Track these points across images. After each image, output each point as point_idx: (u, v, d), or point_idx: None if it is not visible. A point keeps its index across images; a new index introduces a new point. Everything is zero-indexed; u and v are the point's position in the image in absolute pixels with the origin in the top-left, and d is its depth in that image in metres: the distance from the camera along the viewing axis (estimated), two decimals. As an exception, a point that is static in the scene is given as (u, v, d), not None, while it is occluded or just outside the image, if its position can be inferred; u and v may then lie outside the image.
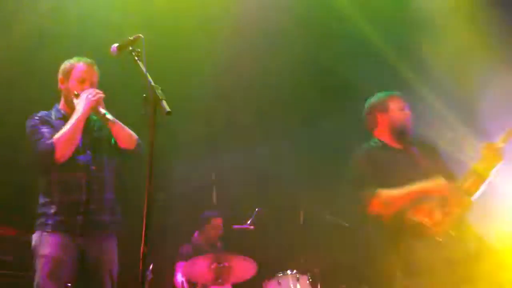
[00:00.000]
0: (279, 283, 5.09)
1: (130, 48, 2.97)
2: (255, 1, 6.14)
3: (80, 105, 3.33)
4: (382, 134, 3.66)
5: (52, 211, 3.31)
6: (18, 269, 4.42)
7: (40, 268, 3.20)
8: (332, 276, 6.01)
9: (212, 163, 5.43)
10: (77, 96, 3.39)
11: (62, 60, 3.60)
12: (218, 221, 5.84)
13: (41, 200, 3.39)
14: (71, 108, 3.42)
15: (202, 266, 4.88)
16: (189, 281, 5.20)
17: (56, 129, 3.36)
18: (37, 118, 3.43)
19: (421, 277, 3.12)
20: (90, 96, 3.34)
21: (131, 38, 2.99)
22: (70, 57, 3.60)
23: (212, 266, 4.86)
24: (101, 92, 3.39)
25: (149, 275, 4.97)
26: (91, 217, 3.34)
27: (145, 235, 2.54)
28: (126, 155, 3.49)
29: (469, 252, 3.18)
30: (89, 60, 3.54)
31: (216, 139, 6.73)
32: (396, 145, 3.62)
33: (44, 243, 3.24)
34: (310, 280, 5.18)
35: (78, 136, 3.32)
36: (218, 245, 5.91)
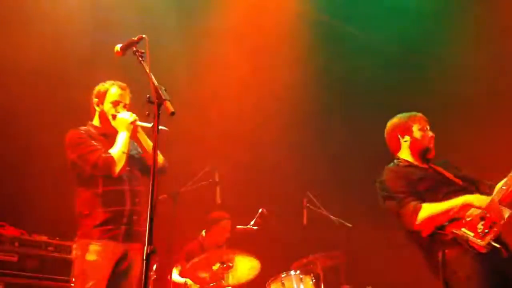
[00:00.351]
0: (282, 284, 5.08)
1: (134, 49, 3.00)
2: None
3: (122, 127, 3.58)
4: (406, 156, 3.62)
5: (98, 221, 3.48)
6: (22, 269, 4.43)
7: (87, 274, 3.37)
8: (335, 276, 6.01)
9: (216, 163, 5.42)
10: (114, 118, 3.63)
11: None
12: (227, 224, 5.83)
13: (85, 211, 3.53)
14: (108, 127, 3.67)
15: (205, 266, 4.88)
16: (192, 281, 5.20)
17: (101, 144, 3.59)
18: (82, 131, 3.65)
19: (466, 279, 3.08)
20: (127, 117, 3.57)
21: (135, 38, 3.01)
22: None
23: (215, 267, 4.86)
24: (134, 114, 3.61)
25: (153, 275, 4.98)
26: (133, 228, 3.54)
27: (149, 235, 2.56)
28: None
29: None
30: (122, 84, 3.75)
31: (220, 138, 6.74)
32: (420, 165, 3.59)
33: (91, 251, 3.42)
34: (314, 280, 5.17)
35: (127, 154, 3.56)
36: (224, 247, 5.89)
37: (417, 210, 3.23)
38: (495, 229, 3.08)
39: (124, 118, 3.58)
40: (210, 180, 5.28)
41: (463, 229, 3.13)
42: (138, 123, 3.59)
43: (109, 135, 3.66)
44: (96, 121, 3.77)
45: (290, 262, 5.71)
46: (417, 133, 3.59)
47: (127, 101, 3.73)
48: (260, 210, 5.64)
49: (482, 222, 3.11)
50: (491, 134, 6.13)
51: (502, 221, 3.09)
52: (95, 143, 3.57)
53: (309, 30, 7.09)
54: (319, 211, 5.91)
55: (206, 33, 6.66)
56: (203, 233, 5.91)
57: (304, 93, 7.18)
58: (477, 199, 3.20)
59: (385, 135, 3.74)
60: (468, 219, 3.16)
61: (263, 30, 6.86)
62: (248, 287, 5.54)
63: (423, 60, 6.90)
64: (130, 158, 3.67)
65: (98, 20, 6.03)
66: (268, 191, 6.85)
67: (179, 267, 5.47)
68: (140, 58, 2.97)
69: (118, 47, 3.10)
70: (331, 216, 5.92)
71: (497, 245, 3.06)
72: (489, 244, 3.05)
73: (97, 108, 3.74)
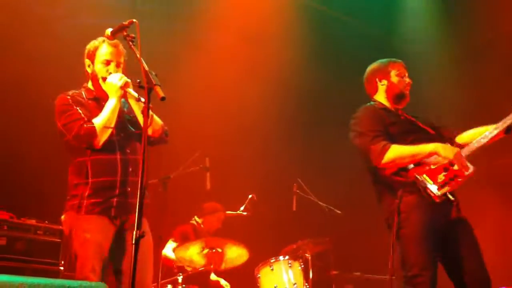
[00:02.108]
0: (271, 269, 5.12)
1: (125, 33, 2.96)
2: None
3: (112, 92, 3.28)
4: (382, 99, 3.69)
5: (87, 192, 3.25)
6: (11, 252, 4.42)
7: (82, 253, 3.16)
8: (324, 262, 6.06)
9: (206, 148, 5.42)
10: (104, 80, 3.34)
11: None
12: (221, 216, 5.87)
13: (74, 181, 3.31)
14: (101, 90, 3.37)
15: (194, 251, 4.90)
16: (181, 265, 5.23)
17: (88, 110, 3.33)
18: (68, 97, 3.37)
19: (411, 235, 3.20)
20: (116, 82, 3.26)
21: (125, 23, 2.98)
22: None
23: (205, 251, 4.89)
24: (125, 76, 3.31)
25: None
26: (126, 200, 3.29)
27: (138, 220, 2.57)
28: (151, 141, 3.39)
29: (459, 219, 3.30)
30: (110, 41, 3.35)
31: (211, 124, 6.73)
32: (394, 110, 3.66)
33: (82, 227, 3.20)
34: (302, 266, 5.21)
35: (113, 122, 3.29)
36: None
37: (385, 149, 3.30)
38: (455, 182, 3.18)
39: (113, 82, 3.26)
40: (201, 165, 5.28)
41: (424, 175, 3.22)
42: (129, 90, 3.26)
43: (101, 99, 3.38)
44: (90, 84, 3.48)
45: (279, 248, 5.75)
46: (394, 78, 3.66)
47: (120, 59, 3.41)
48: (250, 196, 5.67)
49: (444, 173, 3.20)
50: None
51: (464, 176, 3.18)
52: (79, 111, 3.28)
53: (298, 14, 7.11)
54: (308, 197, 5.94)
55: (196, 17, 6.63)
56: (196, 218, 5.95)
57: (295, 80, 7.18)
58: (444, 150, 3.27)
59: (364, 78, 3.80)
60: (432, 167, 3.25)
61: (253, 14, 6.84)
62: (237, 272, 5.58)
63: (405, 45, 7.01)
64: (126, 123, 3.43)
65: (88, 3, 5.98)
66: (258, 177, 6.87)
67: (174, 244, 5.50)
68: (131, 43, 2.92)
69: (108, 31, 3.07)
70: (320, 203, 5.95)
71: (452, 198, 3.17)
72: (444, 195, 3.15)
73: (88, 70, 3.44)
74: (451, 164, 3.22)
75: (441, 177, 3.19)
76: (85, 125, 3.22)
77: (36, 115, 5.65)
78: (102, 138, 3.24)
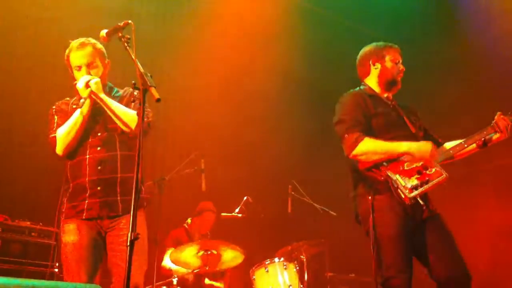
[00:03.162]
0: (266, 271, 5.12)
1: (120, 35, 2.96)
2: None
3: (83, 96, 3.26)
4: (373, 83, 3.61)
5: (66, 198, 3.34)
6: (6, 254, 4.41)
7: (65, 258, 3.23)
8: (319, 264, 6.06)
9: (201, 150, 5.42)
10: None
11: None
12: (211, 216, 5.88)
13: (63, 185, 3.40)
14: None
15: (189, 253, 4.90)
16: (176, 267, 5.23)
17: (67, 117, 3.37)
18: (54, 107, 3.49)
19: (387, 236, 3.18)
20: (80, 86, 3.24)
21: (121, 24, 2.98)
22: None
23: (200, 253, 4.88)
24: (88, 77, 3.26)
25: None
26: (98, 200, 3.26)
27: (133, 222, 2.55)
28: (130, 136, 3.30)
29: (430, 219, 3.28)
30: (77, 44, 3.36)
31: (206, 126, 6.73)
32: (384, 97, 3.59)
33: (65, 232, 3.28)
34: (298, 268, 5.21)
35: (77, 130, 3.28)
36: (208, 235, 5.94)
37: (358, 141, 3.26)
38: (426, 186, 3.14)
39: (79, 87, 3.24)
40: (196, 167, 5.28)
41: (397, 176, 3.18)
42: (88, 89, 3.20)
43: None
44: None
45: (275, 250, 5.74)
46: (388, 63, 3.58)
47: (90, 60, 3.34)
48: (245, 197, 5.66)
49: (417, 176, 3.17)
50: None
51: (435, 181, 3.15)
52: (54, 120, 3.38)
53: (296, 13, 7.14)
54: (303, 199, 5.94)
55: (191, 19, 6.63)
56: (189, 220, 5.94)
57: (293, 82, 7.19)
58: (419, 150, 3.22)
59: (357, 60, 3.72)
60: (406, 167, 3.21)
61: (252, 14, 6.85)
62: (232, 274, 5.58)
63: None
64: (105, 121, 3.34)
65: (83, 6, 5.98)
66: (253, 179, 6.87)
67: (171, 251, 5.48)
68: (126, 44, 2.91)
69: (103, 32, 3.06)
70: (315, 204, 5.95)
71: (422, 202, 3.13)
72: (414, 198, 3.11)
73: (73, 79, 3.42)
74: (425, 167, 3.19)
75: (413, 179, 3.15)
76: (51, 135, 3.36)
77: (30, 117, 5.65)
78: (62, 146, 3.29)
